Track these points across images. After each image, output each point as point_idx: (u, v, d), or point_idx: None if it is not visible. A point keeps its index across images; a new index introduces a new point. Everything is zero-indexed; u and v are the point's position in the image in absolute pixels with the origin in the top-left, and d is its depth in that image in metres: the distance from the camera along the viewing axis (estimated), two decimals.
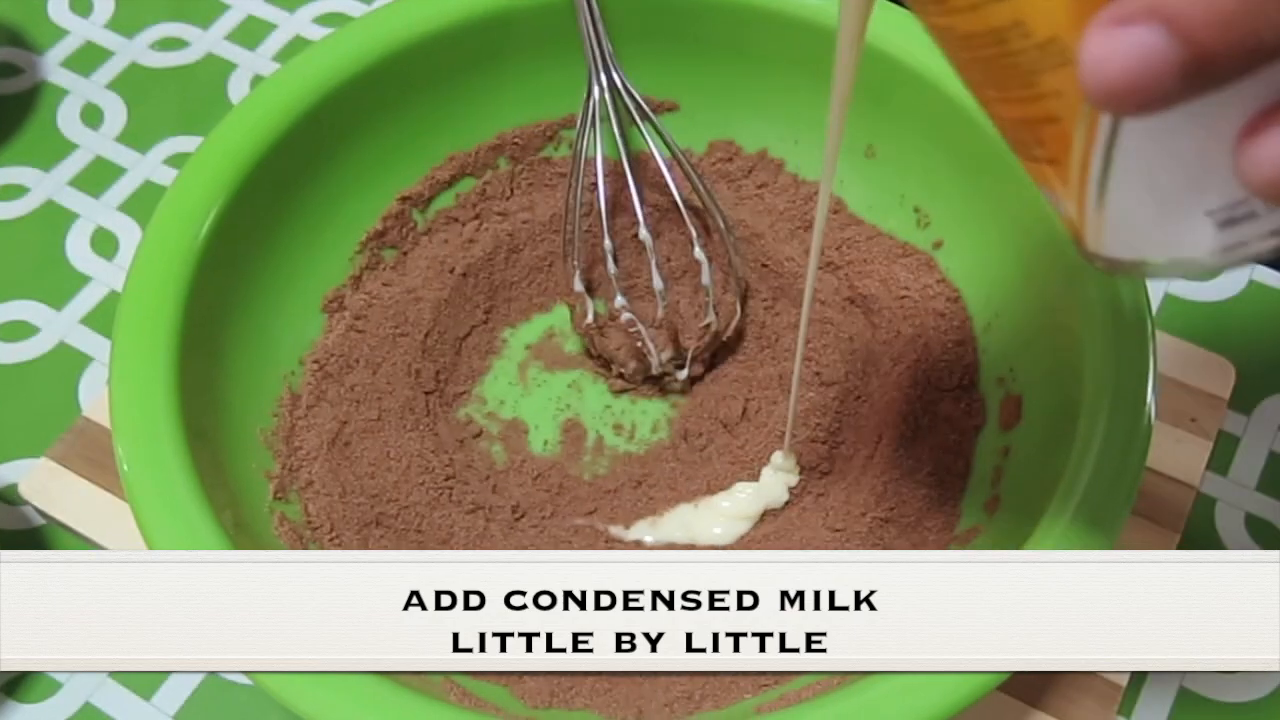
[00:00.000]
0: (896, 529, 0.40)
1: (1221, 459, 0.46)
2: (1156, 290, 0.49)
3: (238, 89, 0.57)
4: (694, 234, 0.44)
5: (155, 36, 0.59)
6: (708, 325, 0.44)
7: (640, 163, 0.47)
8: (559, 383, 0.46)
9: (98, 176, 0.54)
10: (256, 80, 0.57)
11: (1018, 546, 0.34)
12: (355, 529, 0.40)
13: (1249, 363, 0.47)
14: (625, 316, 0.43)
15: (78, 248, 0.52)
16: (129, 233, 0.52)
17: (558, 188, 0.48)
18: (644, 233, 0.43)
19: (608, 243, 0.44)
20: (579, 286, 0.44)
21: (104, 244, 0.52)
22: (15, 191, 0.54)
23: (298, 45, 0.58)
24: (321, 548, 0.39)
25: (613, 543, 0.42)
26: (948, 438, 0.41)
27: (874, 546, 0.39)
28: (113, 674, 0.42)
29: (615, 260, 0.44)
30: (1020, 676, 0.33)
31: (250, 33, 0.59)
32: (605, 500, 0.43)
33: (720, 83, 0.47)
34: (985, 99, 0.23)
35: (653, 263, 0.43)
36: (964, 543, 0.38)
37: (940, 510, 0.40)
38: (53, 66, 0.58)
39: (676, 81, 0.47)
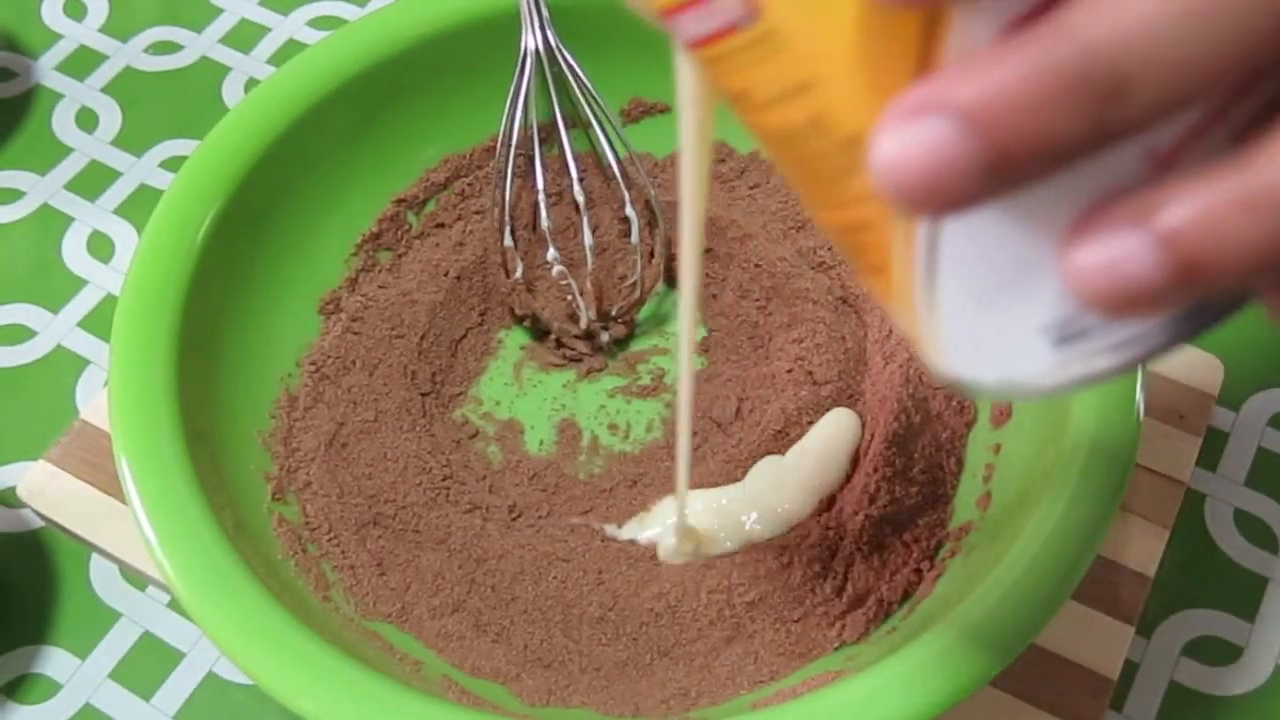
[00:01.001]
0: (890, 526, 0.40)
1: (1210, 455, 0.46)
2: None
3: (232, 92, 0.57)
4: (626, 196, 0.45)
5: (149, 40, 0.59)
6: (632, 284, 0.45)
7: (571, 125, 0.48)
8: (554, 383, 0.46)
9: (93, 180, 0.54)
10: (251, 84, 0.57)
11: (1010, 542, 0.34)
12: (353, 529, 0.41)
13: (1237, 359, 0.47)
14: (557, 269, 0.44)
15: (74, 251, 0.52)
16: (125, 236, 0.53)
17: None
18: (577, 189, 0.44)
19: (541, 197, 0.44)
20: (508, 241, 0.45)
21: (100, 247, 0.52)
22: (11, 195, 0.54)
23: (292, 49, 0.59)
24: (320, 548, 0.40)
25: (608, 541, 0.42)
26: (939, 435, 0.42)
27: (868, 543, 0.39)
28: (112, 674, 0.42)
29: (548, 214, 0.45)
30: (1013, 670, 0.33)
31: (244, 36, 0.59)
32: (601, 499, 0.43)
33: None
34: (805, 204, 0.21)
35: (584, 220, 0.44)
36: (957, 539, 0.39)
37: (933, 507, 0.41)
38: (47, 70, 0.58)
39: (668, 84, 0.48)
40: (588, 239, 0.45)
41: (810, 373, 0.45)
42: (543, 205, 0.45)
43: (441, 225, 0.48)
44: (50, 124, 0.56)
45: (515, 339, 0.47)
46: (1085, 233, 0.16)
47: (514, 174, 0.46)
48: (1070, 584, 0.33)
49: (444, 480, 0.42)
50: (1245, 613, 0.43)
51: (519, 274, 0.46)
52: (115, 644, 0.42)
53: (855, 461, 0.42)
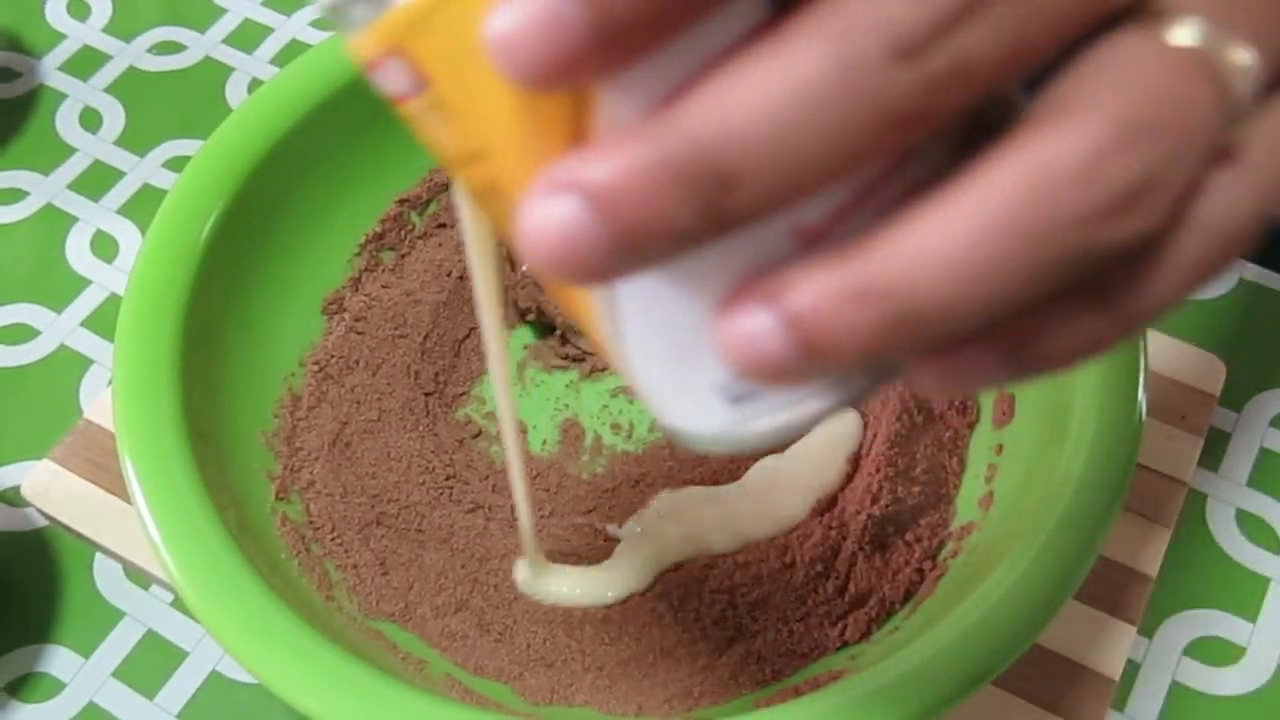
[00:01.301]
0: (892, 526, 0.41)
1: (1212, 455, 0.46)
2: None
3: (235, 92, 0.57)
4: None
5: (153, 40, 0.59)
6: None
7: None
8: (557, 383, 0.46)
9: (97, 180, 0.54)
10: (254, 84, 0.57)
11: (1011, 542, 0.34)
12: (356, 529, 0.41)
13: (1239, 359, 0.47)
14: None
15: (77, 251, 0.52)
16: (128, 236, 0.53)
17: None
18: None
19: None
20: None
21: (104, 247, 0.52)
22: (14, 195, 0.54)
23: (295, 49, 0.59)
24: (323, 548, 0.40)
25: (611, 541, 0.42)
26: (941, 435, 0.42)
27: (870, 543, 0.39)
28: (116, 673, 0.42)
29: None
30: (1014, 670, 0.33)
31: (247, 36, 0.59)
32: (604, 499, 0.43)
33: None
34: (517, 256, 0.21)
35: None
36: (959, 539, 0.39)
37: (935, 507, 0.41)
38: (50, 70, 0.58)
39: None
40: None
41: None
42: None
43: (444, 225, 0.48)
44: (54, 124, 0.56)
45: (518, 339, 0.47)
46: (730, 306, 0.17)
47: None
48: (1071, 584, 0.33)
49: (447, 480, 0.42)
50: (1247, 613, 0.43)
51: (525, 267, 0.46)
52: (119, 643, 0.43)
53: (857, 461, 0.42)
